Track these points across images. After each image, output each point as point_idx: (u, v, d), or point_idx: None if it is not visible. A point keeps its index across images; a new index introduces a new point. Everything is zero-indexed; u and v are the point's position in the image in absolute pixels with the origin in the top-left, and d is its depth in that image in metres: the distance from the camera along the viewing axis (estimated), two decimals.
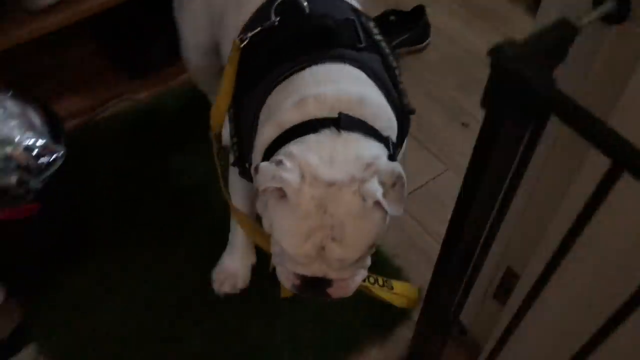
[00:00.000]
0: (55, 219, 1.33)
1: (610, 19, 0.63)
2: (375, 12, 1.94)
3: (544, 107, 0.57)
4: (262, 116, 1.07)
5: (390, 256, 1.48)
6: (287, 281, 1.06)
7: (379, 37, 1.13)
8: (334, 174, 0.94)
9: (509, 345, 0.92)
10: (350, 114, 0.99)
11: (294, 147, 0.96)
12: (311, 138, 0.98)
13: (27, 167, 1.20)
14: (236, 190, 1.27)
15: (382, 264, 1.43)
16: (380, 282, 1.31)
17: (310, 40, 1.08)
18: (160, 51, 1.74)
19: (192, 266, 1.44)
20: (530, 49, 0.57)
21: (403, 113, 1.11)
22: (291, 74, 1.05)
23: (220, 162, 1.23)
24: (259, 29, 1.12)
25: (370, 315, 1.39)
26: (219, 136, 1.21)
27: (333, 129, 0.97)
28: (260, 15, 1.14)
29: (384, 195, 0.94)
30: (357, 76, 1.05)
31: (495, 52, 0.56)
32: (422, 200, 1.58)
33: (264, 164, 0.95)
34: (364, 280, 1.13)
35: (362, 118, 1.00)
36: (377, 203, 0.94)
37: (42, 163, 1.21)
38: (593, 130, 0.52)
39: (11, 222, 1.19)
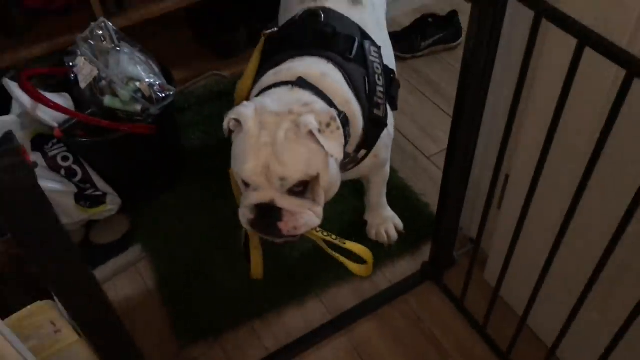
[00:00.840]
0: (166, 139, 1.75)
1: None
2: (416, 15, 2.34)
3: None
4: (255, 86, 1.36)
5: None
6: (244, 219, 1.24)
7: (373, 58, 1.35)
8: (278, 108, 1.18)
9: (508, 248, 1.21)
10: (311, 82, 1.24)
11: (258, 97, 1.25)
12: (272, 90, 1.25)
13: (150, 97, 1.63)
14: None
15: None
16: (334, 236, 1.41)
17: (312, 40, 1.34)
18: (242, 38, 2.19)
19: None
20: None
21: (370, 121, 1.32)
22: (285, 60, 1.32)
23: None
24: (279, 26, 1.43)
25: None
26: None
27: (289, 86, 1.24)
28: (292, 20, 1.44)
29: (320, 131, 1.15)
30: (332, 71, 1.28)
31: None
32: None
33: (234, 108, 1.21)
34: (316, 231, 1.34)
35: (320, 87, 1.24)
36: (311, 133, 1.15)
37: (159, 96, 1.64)
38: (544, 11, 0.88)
39: (138, 136, 1.60)
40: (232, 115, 1.21)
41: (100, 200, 1.69)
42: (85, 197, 1.67)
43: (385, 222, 1.70)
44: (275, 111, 1.17)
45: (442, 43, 2.32)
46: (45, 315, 1.17)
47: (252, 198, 1.20)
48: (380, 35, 1.50)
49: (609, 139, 0.86)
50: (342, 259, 1.48)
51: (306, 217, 1.22)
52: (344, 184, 1.35)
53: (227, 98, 2.10)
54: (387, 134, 1.41)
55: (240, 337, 1.55)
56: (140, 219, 1.80)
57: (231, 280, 1.64)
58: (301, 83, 1.24)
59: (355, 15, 1.43)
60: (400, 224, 1.72)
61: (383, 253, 1.68)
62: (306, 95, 1.22)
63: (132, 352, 1.12)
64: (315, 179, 1.19)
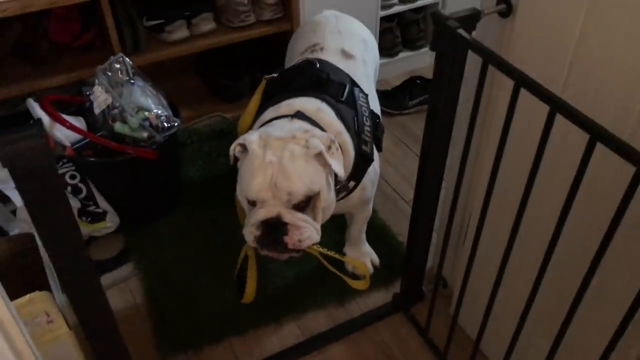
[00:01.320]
0: (167, 166, 1.91)
1: (501, 14, 1.19)
2: (406, 75, 2.56)
3: (464, 45, 1.13)
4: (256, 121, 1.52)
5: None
6: (250, 236, 1.33)
7: (361, 102, 1.53)
8: (281, 134, 1.32)
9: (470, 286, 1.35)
10: (308, 115, 1.39)
11: (261, 127, 1.40)
12: (273, 122, 1.41)
13: (156, 127, 1.80)
14: None
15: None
16: (333, 252, 1.53)
17: (308, 83, 1.50)
18: (245, 85, 2.39)
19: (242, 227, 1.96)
20: (457, 18, 1.13)
21: (359, 155, 1.46)
22: (284, 99, 1.47)
23: None
24: (280, 71, 1.61)
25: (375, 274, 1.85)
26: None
27: (289, 118, 1.39)
28: (291, 67, 1.66)
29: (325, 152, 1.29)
30: (326, 108, 1.44)
31: (437, 17, 1.12)
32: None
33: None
34: (317, 246, 1.44)
35: (316, 120, 1.39)
36: (320, 155, 1.29)
37: (165, 126, 1.81)
38: (493, 58, 1.06)
39: (142, 161, 1.76)
40: (238, 140, 1.34)
41: (100, 217, 1.84)
42: (87, 213, 1.81)
43: (363, 256, 1.83)
44: (280, 136, 1.31)
45: (427, 103, 2.51)
46: (42, 304, 1.28)
47: (259, 215, 1.30)
48: (368, 86, 1.68)
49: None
50: (340, 274, 1.59)
51: (309, 231, 1.32)
52: (328, 220, 1.46)
53: (228, 138, 2.28)
54: (373, 170, 1.57)
55: (218, 353, 1.65)
56: (135, 239, 1.93)
57: (215, 301, 1.75)
58: (300, 115, 1.40)
59: (347, 67, 1.63)
60: (376, 259, 1.85)
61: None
62: (306, 125, 1.37)
63: (119, 342, 1.23)
64: (317, 195, 1.32)
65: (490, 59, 1.04)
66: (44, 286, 1.38)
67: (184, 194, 2.07)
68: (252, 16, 2.24)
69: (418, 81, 2.52)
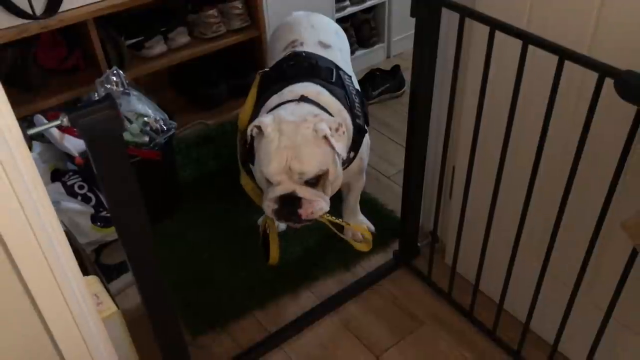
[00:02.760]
0: (168, 166, 2.05)
1: None
2: (366, 70, 2.79)
3: (437, 3, 1.35)
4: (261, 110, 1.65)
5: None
6: (268, 209, 1.50)
7: (348, 83, 1.72)
8: (294, 118, 1.47)
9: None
10: (311, 98, 1.57)
11: (272, 111, 1.56)
12: (282, 106, 1.56)
13: (156, 129, 1.94)
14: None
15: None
16: (340, 220, 1.67)
17: (301, 71, 1.67)
18: (221, 91, 2.56)
19: (244, 219, 2.11)
20: None
21: (355, 128, 1.64)
22: (284, 87, 1.63)
23: (240, 146, 1.75)
24: (271, 66, 1.79)
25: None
26: (244, 132, 1.67)
27: (295, 102, 1.56)
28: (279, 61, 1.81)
29: (331, 136, 1.44)
30: (322, 89, 1.63)
31: None
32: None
33: (256, 119, 1.51)
34: (327, 215, 1.58)
35: (318, 102, 1.56)
36: (326, 138, 1.45)
37: (164, 128, 1.95)
38: (468, 10, 1.28)
39: (146, 164, 1.89)
40: (254, 123, 1.51)
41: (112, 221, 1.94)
42: (100, 218, 1.92)
43: (360, 224, 2.02)
44: (293, 120, 1.48)
45: (388, 92, 2.75)
46: (91, 288, 1.40)
47: (276, 191, 1.48)
48: (348, 70, 1.88)
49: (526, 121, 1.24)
50: (346, 237, 1.74)
51: (319, 204, 1.50)
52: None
53: (213, 142, 2.44)
54: (366, 141, 1.76)
55: (244, 325, 1.79)
56: None
57: (232, 281, 1.90)
58: (304, 99, 1.58)
59: (327, 55, 1.82)
60: (372, 227, 2.04)
61: (359, 251, 1.98)
62: (313, 108, 1.54)
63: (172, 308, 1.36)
64: (325, 173, 1.50)
65: (466, 11, 1.27)
66: (85, 269, 1.49)
67: (183, 196, 2.21)
68: (223, 27, 2.42)
69: (378, 73, 2.75)
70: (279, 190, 1.48)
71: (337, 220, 1.67)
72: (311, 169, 1.46)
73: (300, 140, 1.45)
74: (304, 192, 1.48)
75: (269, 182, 1.51)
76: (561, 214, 1.28)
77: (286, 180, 1.47)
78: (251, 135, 1.54)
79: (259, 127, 1.51)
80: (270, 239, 1.72)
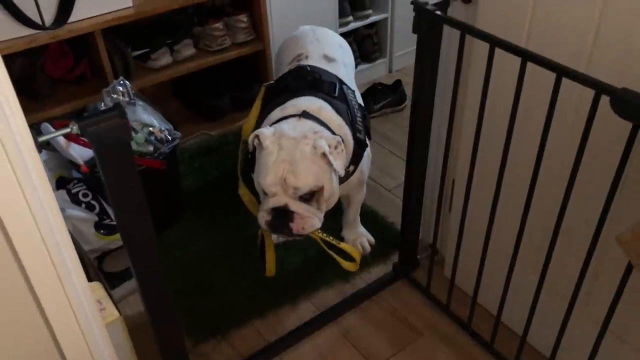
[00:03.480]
0: (172, 175, 2.07)
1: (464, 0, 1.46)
2: (368, 84, 2.83)
3: (440, 22, 1.38)
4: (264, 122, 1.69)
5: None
6: (262, 220, 1.53)
7: (350, 97, 1.74)
8: (295, 134, 1.50)
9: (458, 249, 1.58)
10: (312, 114, 1.59)
11: (274, 124, 1.58)
12: (284, 121, 1.59)
13: (160, 139, 1.97)
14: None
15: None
16: (331, 238, 1.67)
17: (304, 85, 1.71)
18: (225, 103, 2.59)
19: (246, 228, 2.12)
20: (433, 4, 1.39)
21: (355, 142, 1.67)
22: (288, 100, 1.67)
23: (241, 157, 1.80)
24: (276, 78, 1.83)
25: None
26: (246, 142, 1.67)
27: (297, 117, 1.59)
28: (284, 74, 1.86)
29: (330, 153, 1.47)
30: (324, 104, 1.66)
31: (418, 4, 1.38)
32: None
33: (258, 130, 1.54)
34: (318, 232, 1.60)
35: (319, 117, 1.59)
36: (324, 155, 1.47)
37: (168, 138, 1.98)
38: (468, 28, 1.31)
39: (150, 173, 1.91)
40: (255, 132, 1.54)
41: (115, 229, 1.97)
42: (103, 226, 1.94)
43: (360, 237, 2.04)
44: (294, 136, 1.51)
45: (390, 106, 2.78)
46: (95, 294, 1.42)
47: (269, 203, 1.51)
48: (351, 84, 1.91)
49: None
50: (335, 256, 1.75)
51: (312, 221, 1.53)
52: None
53: (216, 153, 2.46)
54: (367, 155, 1.79)
55: (245, 334, 1.80)
56: None
57: (234, 290, 1.91)
58: (306, 115, 1.60)
59: (331, 69, 1.85)
60: (371, 238, 2.06)
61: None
62: (314, 125, 1.57)
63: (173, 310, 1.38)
64: (321, 189, 1.52)
65: (466, 29, 1.30)
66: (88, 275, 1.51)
67: (186, 205, 2.23)
68: (228, 40, 2.45)
69: (379, 87, 2.78)
70: (272, 202, 1.51)
71: (328, 239, 1.69)
72: (306, 184, 1.48)
73: (299, 156, 1.49)
74: (297, 206, 1.51)
75: (265, 194, 1.54)
76: (558, 228, 1.30)
77: (281, 193, 1.50)
78: (253, 145, 1.57)
79: (258, 137, 1.54)
80: (266, 251, 1.74)
